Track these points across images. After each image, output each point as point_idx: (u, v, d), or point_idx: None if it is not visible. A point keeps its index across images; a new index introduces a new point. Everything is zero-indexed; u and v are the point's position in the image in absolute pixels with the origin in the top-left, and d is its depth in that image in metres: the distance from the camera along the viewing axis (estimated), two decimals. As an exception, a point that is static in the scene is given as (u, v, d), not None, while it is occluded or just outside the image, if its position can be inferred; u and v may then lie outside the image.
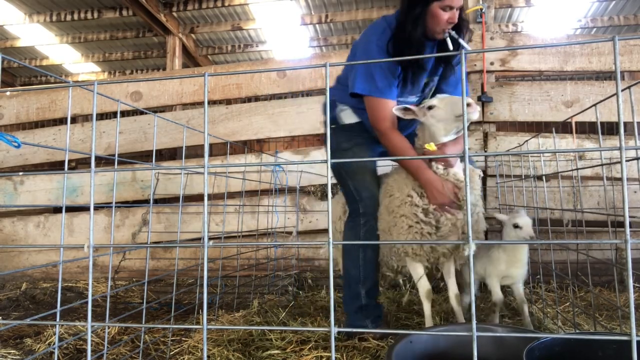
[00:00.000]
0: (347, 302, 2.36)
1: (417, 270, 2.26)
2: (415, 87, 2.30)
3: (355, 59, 2.27)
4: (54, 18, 8.36)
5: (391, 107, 2.16)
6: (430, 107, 2.08)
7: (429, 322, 2.25)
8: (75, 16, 8.27)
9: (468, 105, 1.98)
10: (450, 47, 2.16)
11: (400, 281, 2.97)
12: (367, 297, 2.29)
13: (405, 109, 2.15)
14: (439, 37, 2.16)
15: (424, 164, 2.11)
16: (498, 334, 1.69)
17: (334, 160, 0.99)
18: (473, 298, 0.91)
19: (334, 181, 2.53)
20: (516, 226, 2.19)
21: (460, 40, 2.17)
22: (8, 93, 4.60)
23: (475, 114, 1.98)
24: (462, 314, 2.27)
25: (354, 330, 1.31)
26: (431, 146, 2.07)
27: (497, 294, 2.30)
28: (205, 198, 1.02)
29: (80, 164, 6.03)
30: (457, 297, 2.29)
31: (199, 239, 3.80)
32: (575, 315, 2.28)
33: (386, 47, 2.15)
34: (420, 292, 2.26)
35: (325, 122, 0.91)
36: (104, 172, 3.84)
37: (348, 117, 2.38)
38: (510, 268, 2.26)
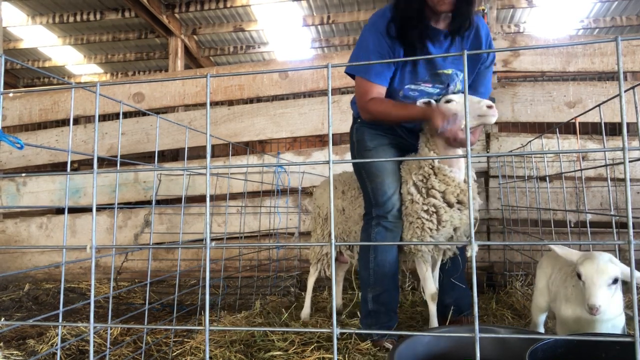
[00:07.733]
0: (361, 304, 2.33)
1: (424, 270, 2.25)
2: (434, 77, 2.16)
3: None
4: (57, 20, 8.38)
5: (377, 91, 2.10)
6: (448, 101, 2.06)
7: (433, 323, 2.24)
8: (78, 18, 8.29)
9: (489, 107, 1.96)
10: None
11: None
12: (375, 302, 2.22)
13: (426, 104, 2.07)
14: (442, 9, 1.96)
15: (410, 104, 2.06)
16: (501, 335, 1.69)
17: (335, 162, 0.99)
18: (475, 299, 0.91)
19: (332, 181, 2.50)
20: (579, 276, 1.50)
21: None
22: (11, 94, 4.62)
23: (493, 118, 1.97)
24: (435, 317, 2.23)
25: (355, 331, 1.31)
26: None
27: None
28: (207, 199, 1.02)
29: (82, 165, 6.05)
30: (435, 297, 2.23)
31: (201, 240, 3.80)
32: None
33: (386, 29, 2.05)
34: (426, 294, 2.25)
35: (328, 123, 0.91)
36: (106, 173, 3.84)
37: None
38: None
